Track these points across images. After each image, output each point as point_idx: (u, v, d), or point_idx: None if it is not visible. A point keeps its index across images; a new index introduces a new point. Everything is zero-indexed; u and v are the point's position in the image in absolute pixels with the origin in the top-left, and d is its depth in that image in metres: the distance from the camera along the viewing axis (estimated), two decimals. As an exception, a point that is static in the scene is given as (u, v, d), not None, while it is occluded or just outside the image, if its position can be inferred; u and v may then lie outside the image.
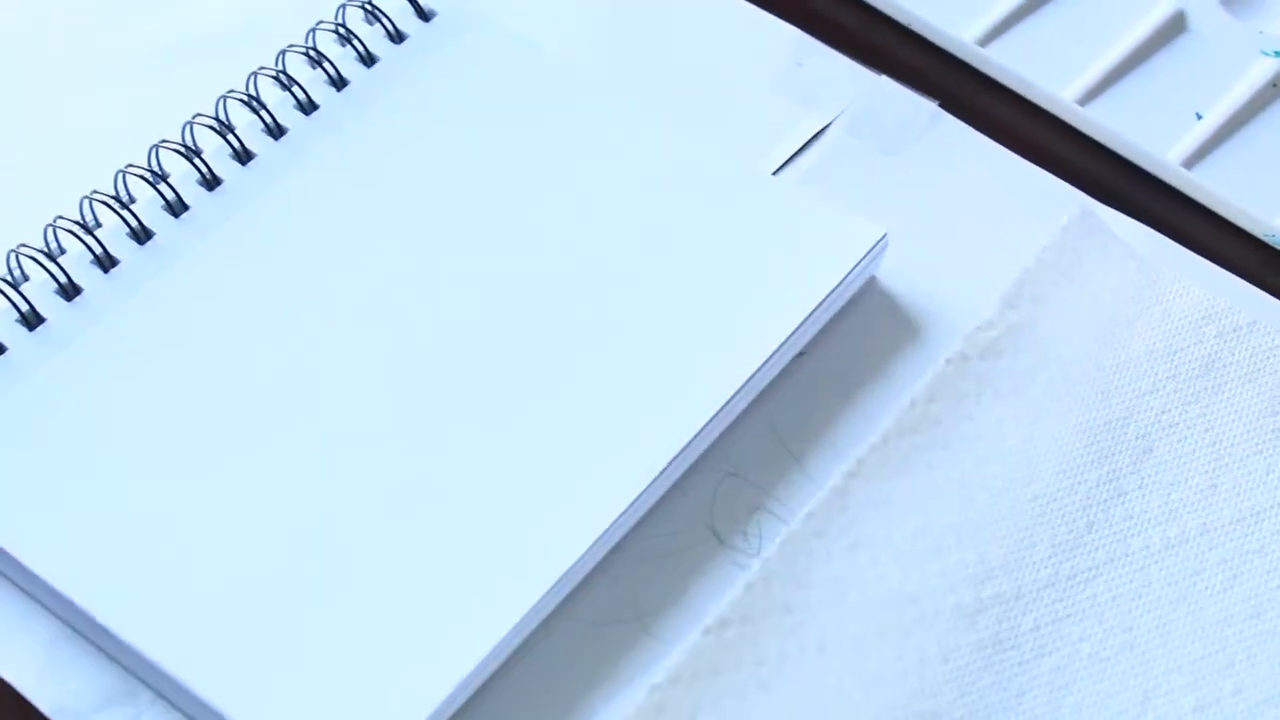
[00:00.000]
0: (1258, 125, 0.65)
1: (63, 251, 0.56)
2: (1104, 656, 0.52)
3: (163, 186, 0.57)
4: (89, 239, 0.56)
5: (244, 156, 0.59)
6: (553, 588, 0.51)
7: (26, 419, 0.52)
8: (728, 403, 0.54)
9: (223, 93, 0.59)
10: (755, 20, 0.67)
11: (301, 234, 0.57)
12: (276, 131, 0.59)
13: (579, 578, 0.52)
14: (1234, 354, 0.58)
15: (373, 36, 0.62)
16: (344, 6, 0.62)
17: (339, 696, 0.49)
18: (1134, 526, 0.54)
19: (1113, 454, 0.56)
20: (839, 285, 0.57)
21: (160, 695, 0.49)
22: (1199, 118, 0.65)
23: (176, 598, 0.49)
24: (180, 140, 0.58)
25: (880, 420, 0.56)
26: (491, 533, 0.52)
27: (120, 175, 0.57)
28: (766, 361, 0.55)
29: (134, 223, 0.56)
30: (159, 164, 0.58)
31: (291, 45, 0.61)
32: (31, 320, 0.54)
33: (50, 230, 0.56)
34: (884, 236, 0.58)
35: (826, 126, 0.64)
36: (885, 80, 0.65)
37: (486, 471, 0.53)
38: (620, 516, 0.52)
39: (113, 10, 0.66)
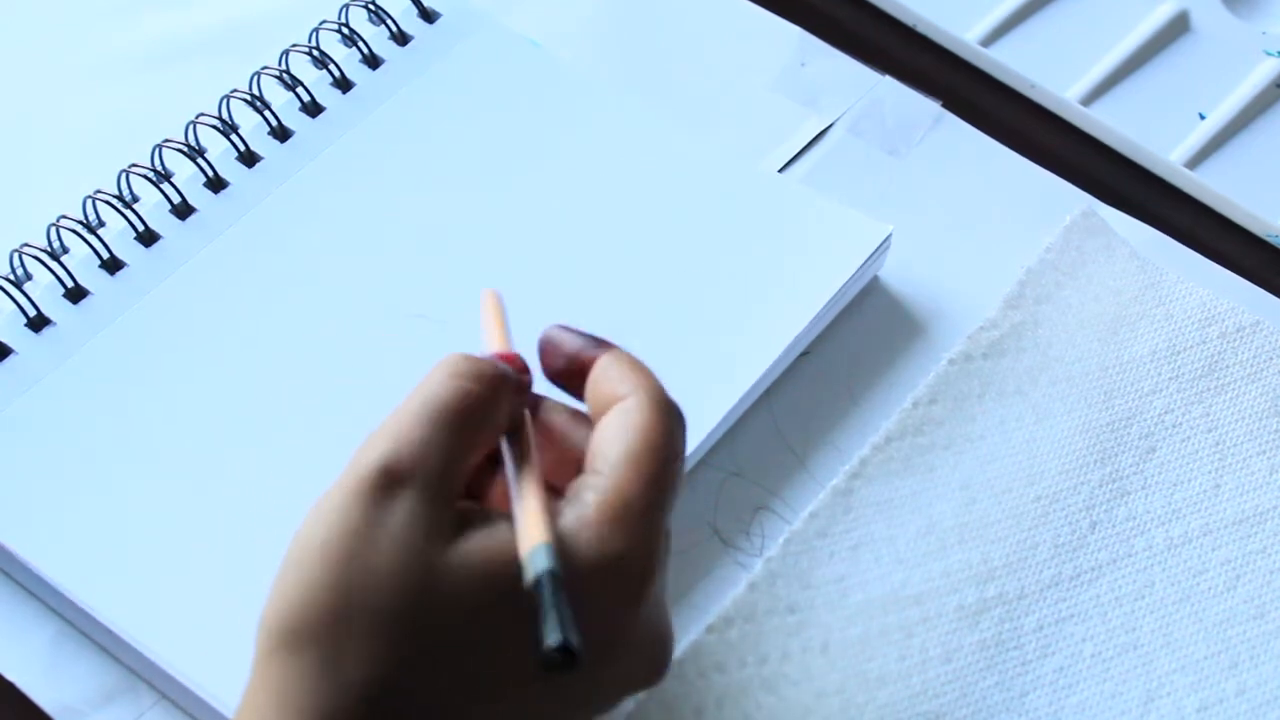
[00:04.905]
0: (1261, 125, 0.65)
1: (65, 250, 0.56)
2: (1107, 657, 0.52)
3: (168, 189, 0.57)
4: (95, 241, 0.56)
5: (249, 159, 0.59)
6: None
7: (33, 422, 0.53)
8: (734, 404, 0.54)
9: (226, 92, 0.60)
10: (759, 20, 0.67)
11: (309, 238, 0.57)
12: (282, 134, 0.59)
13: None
14: (1237, 354, 0.58)
15: (378, 38, 0.62)
16: (347, 6, 0.62)
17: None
18: (1137, 527, 0.54)
19: (1116, 454, 0.56)
20: (846, 284, 0.57)
21: (162, 694, 0.50)
22: (1202, 118, 0.65)
23: (179, 597, 0.49)
24: (184, 140, 0.58)
25: (883, 420, 0.56)
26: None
27: (124, 175, 0.57)
28: (773, 362, 0.55)
29: (140, 226, 0.56)
30: (162, 163, 0.58)
31: (295, 45, 0.61)
32: (38, 323, 0.55)
33: (54, 230, 0.56)
34: (889, 234, 0.58)
35: (830, 126, 0.64)
36: (888, 80, 0.65)
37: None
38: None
39: (113, 9, 0.66)
